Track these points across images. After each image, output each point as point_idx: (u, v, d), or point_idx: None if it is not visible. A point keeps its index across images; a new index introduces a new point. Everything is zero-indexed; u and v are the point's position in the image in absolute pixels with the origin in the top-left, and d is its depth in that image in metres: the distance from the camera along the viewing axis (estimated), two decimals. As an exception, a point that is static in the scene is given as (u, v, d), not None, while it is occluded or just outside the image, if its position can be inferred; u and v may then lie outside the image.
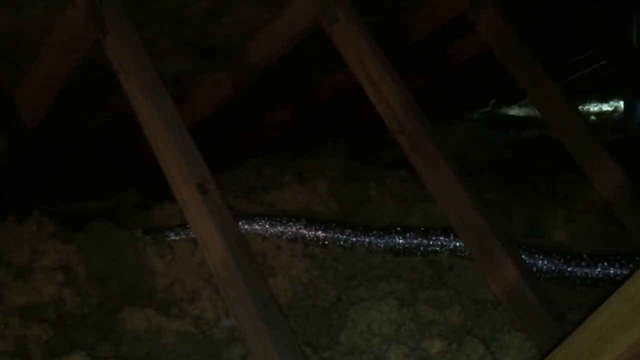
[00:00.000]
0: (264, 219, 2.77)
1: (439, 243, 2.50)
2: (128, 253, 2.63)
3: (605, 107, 7.03)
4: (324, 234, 2.69)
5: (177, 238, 2.74)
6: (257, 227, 2.76)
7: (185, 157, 1.72)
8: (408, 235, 2.56)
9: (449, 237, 2.49)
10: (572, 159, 2.54)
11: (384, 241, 2.57)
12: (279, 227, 2.74)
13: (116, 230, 2.74)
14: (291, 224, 2.74)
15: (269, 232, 2.75)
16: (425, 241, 2.52)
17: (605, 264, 2.25)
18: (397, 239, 2.56)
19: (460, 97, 5.37)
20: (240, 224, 2.73)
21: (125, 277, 2.52)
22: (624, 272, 2.20)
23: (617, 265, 2.23)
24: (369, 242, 2.60)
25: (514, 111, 6.88)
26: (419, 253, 2.54)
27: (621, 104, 6.57)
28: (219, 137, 3.64)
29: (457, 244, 2.46)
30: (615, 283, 2.14)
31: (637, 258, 2.21)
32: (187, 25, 2.37)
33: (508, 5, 2.74)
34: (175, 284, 2.48)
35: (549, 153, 4.05)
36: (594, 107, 7.15)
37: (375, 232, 2.61)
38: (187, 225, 2.66)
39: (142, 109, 1.82)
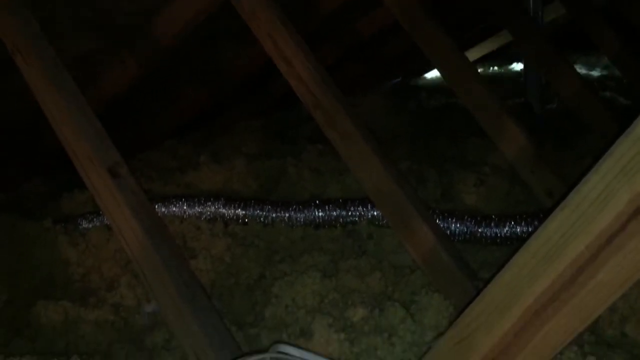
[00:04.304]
0: (181, 200, 2.72)
1: (358, 213, 2.55)
2: (38, 245, 2.51)
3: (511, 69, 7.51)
4: (243, 212, 2.67)
5: (91, 226, 2.64)
6: (174, 209, 2.71)
7: (93, 141, 1.66)
8: (327, 208, 2.59)
9: (366, 207, 2.54)
10: (479, 125, 2.65)
11: (303, 215, 2.59)
12: (197, 208, 2.70)
13: (23, 222, 2.61)
14: (209, 203, 2.70)
15: (187, 213, 2.70)
16: (344, 212, 2.56)
17: (512, 223, 2.37)
18: (316, 212, 2.59)
19: (373, 69, 5.44)
20: (156, 207, 2.67)
21: (37, 270, 2.41)
22: (530, 229, 2.33)
23: (523, 224, 2.36)
24: (289, 217, 2.61)
25: (424, 81, 7.07)
26: (338, 225, 2.58)
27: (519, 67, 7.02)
28: (130, 119, 3.52)
29: (375, 213, 2.52)
30: (522, 240, 2.26)
31: (541, 216, 2.34)
32: (87, 4, 2.25)
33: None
34: (92, 273, 2.40)
35: (457, 120, 4.20)
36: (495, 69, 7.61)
37: (294, 206, 2.62)
38: (100, 212, 2.57)
39: (43, 93, 1.73)
